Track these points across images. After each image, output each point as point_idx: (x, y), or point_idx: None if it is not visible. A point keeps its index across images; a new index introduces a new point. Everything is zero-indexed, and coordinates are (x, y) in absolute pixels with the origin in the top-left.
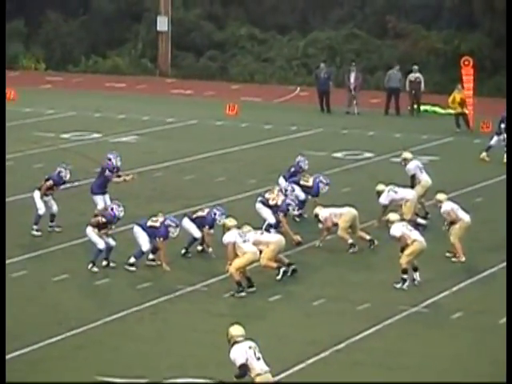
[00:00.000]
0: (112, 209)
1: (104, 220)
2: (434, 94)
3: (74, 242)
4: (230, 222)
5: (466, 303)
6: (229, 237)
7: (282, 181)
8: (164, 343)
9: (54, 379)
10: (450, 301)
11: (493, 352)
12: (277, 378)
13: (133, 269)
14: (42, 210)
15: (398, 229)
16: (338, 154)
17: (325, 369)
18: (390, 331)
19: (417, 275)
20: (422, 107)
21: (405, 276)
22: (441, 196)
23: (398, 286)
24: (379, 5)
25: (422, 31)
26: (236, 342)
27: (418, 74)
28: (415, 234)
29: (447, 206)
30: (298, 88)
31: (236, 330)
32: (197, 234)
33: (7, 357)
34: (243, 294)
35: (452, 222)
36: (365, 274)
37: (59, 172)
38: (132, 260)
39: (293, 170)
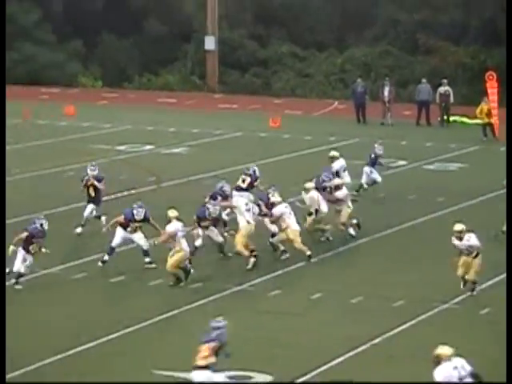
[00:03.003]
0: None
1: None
2: (462, 106)
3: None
4: (172, 213)
5: (493, 300)
6: (171, 227)
7: (366, 169)
8: None
9: (113, 374)
10: (479, 297)
11: None
12: (317, 371)
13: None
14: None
15: (280, 209)
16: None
17: (363, 362)
18: (424, 326)
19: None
20: (451, 118)
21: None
22: (309, 185)
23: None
24: (410, 23)
25: (451, 47)
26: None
27: (447, 87)
28: (292, 222)
29: (313, 194)
30: (336, 102)
31: (443, 350)
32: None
33: (73, 351)
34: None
35: (317, 210)
36: (398, 274)
37: (132, 209)
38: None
39: (372, 156)
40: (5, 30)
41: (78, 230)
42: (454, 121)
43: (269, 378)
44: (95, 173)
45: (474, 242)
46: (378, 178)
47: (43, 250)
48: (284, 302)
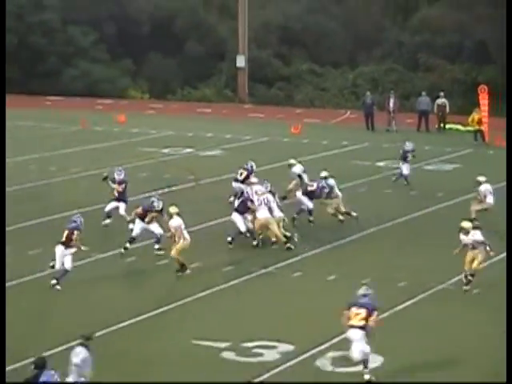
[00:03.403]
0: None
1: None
2: (456, 115)
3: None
4: (173, 209)
5: (482, 282)
6: (174, 222)
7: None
8: (243, 315)
9: (157, 345)
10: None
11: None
12: (332, 342)
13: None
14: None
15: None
16: (381, 163)
17: (372, 335)
18: (423, 304)
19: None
20: (447, 125)
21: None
22: (253, 179)
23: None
24: (412, 44)
25: (447, 65)
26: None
27: (443, 100)
28: (262, 212)
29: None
30: (349, 111)
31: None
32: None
33: (127, 323)
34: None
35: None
36: (402, 259)
37: (152, 202)
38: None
39: (401, 152)
40: (5, 30)
41: (107, 221)
42: (450, 128)
43: (291, 348)
44: (121, 177)
45: (479, 237)
46: (405, 171)
47: (83, 247)
48: (304, 282)
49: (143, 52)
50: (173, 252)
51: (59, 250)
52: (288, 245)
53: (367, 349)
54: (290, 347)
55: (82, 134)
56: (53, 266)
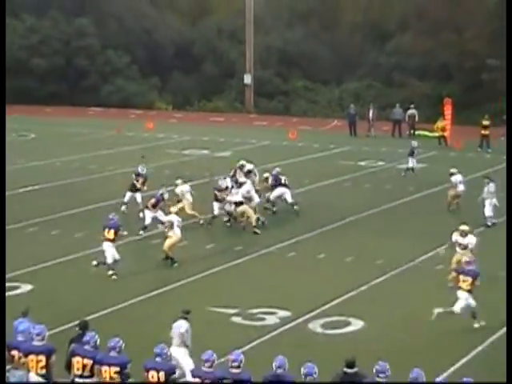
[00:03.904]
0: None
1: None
2: (424, 123)
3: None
4: (173, 208)
5: (444, 259)
6: (170, 218)
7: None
8: (249, 286)
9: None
10: (434, 257)
11: None
12: (322, 309)
13: None
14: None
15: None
16: (362, 163)
17: (354, 303)
18: (396, 278)
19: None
20: (417, 132)
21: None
22: (178, 181)
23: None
24: (388, 65)
25: (417, 82)
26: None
27: (413, 111)
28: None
29: (184, 188)
30: (336, 120)
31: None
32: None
33: (153, 293)
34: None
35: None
36: (379, 241)
37: (162, 193)
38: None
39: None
40: (5, 31)
41: (123, 207)
42: (419, 134)
43: (288, 313)
44: (143, 172)
45: (474, 241)
46: (410, 164)
47: (124, 233)
48: (298, 260)
49: (167, 71)
50: (165, 245)
51: (107, 245)
52: (255, 230)
53: (473, 303)
54: (287, 313)
55: (117, 139)
56: (97, 265)
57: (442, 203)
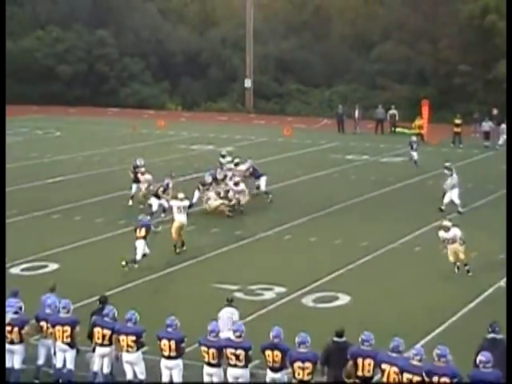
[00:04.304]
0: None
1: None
2: (404, 122)
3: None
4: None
5: (422, 241)
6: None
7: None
8: (249, 265)
9: (187, 287)
10: (414, 239)
11: (441, 270)
12: (315, 285)
13: None
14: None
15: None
16: (348, 157)
17: (342, 280)
18: (378, 259)
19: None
20: (397, 129)
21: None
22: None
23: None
24: (372, 71)
25: (397, 85)
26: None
27: (394, 111)
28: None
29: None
30: (326, 119)
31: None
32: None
33: (165, 272)
34: None
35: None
36: (363, 226)
37: (167, 183)
38: None
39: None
40: (5, 32)
41: (130, 202)
42: (399, 131)
43: (283, 289)
44: (142, 163)
45: (459, 232)
46: (414, 157)
47: (158, 229)
48: (293, 242)
49: (177, 76)
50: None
51: (139, 243)
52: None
53: None
54: (282, 289)
55: (133, 136)
56: (126, 264)
57: (419, 192)
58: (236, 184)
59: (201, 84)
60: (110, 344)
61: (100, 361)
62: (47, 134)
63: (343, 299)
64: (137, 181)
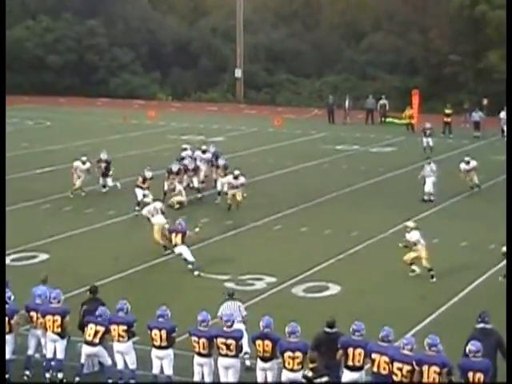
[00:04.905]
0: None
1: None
2: (394, 112)
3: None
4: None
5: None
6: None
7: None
8: (240, 256)
9: (180, 277)
10: (400, 231)
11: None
12: (305, 274)
13: None
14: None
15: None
16: (338, 147)
17: (333, 269)
18: (368, 248)
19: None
20: (387, 119)
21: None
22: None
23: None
24: (362, 61)
25: (387, 76)
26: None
27: (384, 101)
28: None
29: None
30: (316, 109)
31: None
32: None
33: (157, 261)
34: None
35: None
36: (354, 216)
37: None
38: None
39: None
40: (5, 33)
41: (103, 190)
42: (389, 121)
43: (274, 279)
44: (106, 157)
45: (415, 235)
46: (430, 143)
47: (196, 229)
48: (283, 232)
49: (168, 66)
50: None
51: (180, 249)
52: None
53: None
54: (273, 279)
55: (124, 126)
56: (193, 270)
57: (409, 182)
58: (236, 178)
59: (191, 74)
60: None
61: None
62: (38, 124)
63: (333, 289)
64: (105, 175)
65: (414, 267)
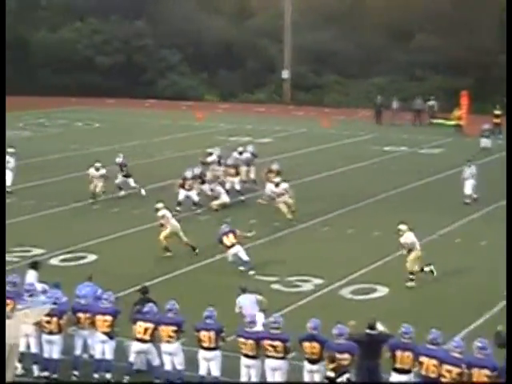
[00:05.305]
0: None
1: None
2: (443, 113)
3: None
4: (159, 205)
5: (464, 233)
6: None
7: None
8: (288, 257)
9: (227, 278)
10: (453, 232)
11: (481, 262)
12: (350, 277)
13: None
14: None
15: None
16: (387, 148)
17: (379, 273)
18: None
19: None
20: (435, 120)
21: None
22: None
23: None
24: (410, 61)
25: (435, 76)
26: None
27: (433, 102)
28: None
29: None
30: (364, 110)
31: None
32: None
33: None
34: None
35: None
36: (404, 215)
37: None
38: None
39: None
40: (5, 33)
41: (121, 193)
42: (437, 122)
43: (321, 281)
44: (121, 160)
45: (409, 239)
46: (488, 145)
47: (249, 234)
48: (331, 234)
49: (215, 67)
50: (160, 236)
51: (235, 250)
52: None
53: None
54: (320, 281)
55: (172, 127)
56: (250, 269)
57: (457, 184)
58: (277, 185)
59: (238, 75)
60: (152, 340)
61: (138, 357)
62: (86, 126)
63: (381, 291)
64: (127, 176)
65: (427, 268)
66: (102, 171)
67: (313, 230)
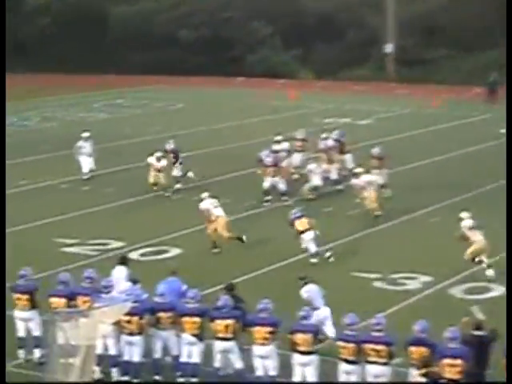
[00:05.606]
0: None
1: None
2: None
3: None
4: (203, 195)
5: None
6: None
7: None
8: (391, 252)
9: (324, 275)
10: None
11: None
12: (459, 277)
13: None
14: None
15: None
16: (503, 130)
17: (497, 268)
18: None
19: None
20: None
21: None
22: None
23: None
24: None
25: None
26: None
27: None
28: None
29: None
30: (477, 88)
31: None
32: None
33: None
34: None
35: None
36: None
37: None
38: None
39: None
40: (5, 31)
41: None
42: None
43: (429, 278)
44: (172, 147)
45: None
46: None
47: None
48: (440, 226)
49: (310, 41)
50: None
51: (309, 235)
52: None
53: None
54: (428, 278)
55: (262, 108)
56: (330, 256)
57: None
58: (356, 175)
59: (335, 50)
60: (234, 338)
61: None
62: (169, 106)
63: (497, 290)
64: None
65: (479, 258)
66: (163, 163)
67: (419, 222)
